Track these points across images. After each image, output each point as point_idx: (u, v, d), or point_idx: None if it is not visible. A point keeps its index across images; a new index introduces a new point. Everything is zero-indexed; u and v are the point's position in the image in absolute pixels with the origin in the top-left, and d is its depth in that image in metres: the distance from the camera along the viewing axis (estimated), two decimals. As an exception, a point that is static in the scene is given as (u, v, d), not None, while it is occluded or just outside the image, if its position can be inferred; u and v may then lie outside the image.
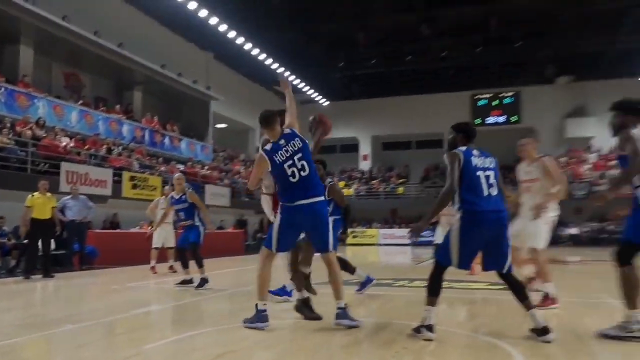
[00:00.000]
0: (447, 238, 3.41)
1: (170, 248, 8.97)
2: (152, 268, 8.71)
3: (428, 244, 13.36)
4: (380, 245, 22.14)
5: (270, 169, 3.72)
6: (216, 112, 20.83)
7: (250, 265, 8.61)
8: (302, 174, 3.66)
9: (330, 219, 3.99)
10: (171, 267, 8.87)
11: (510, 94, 26.35)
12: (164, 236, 8.99)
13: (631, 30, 19.08)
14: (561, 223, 23.59)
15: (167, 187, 10.66)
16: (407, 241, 18.74)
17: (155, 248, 8.97)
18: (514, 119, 26.37)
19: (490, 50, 20.94)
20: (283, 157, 3.67)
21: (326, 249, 3.73)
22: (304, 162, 3.69)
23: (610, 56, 22.23)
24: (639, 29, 19.05)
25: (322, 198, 3.77)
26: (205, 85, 19.77)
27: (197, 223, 6.67)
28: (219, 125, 22.17)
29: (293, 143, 3.70)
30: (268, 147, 3.74)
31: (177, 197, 6.81)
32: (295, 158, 3.67)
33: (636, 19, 17.98)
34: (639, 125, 3.35)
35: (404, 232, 23.16)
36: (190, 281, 6.55)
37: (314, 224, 3.70)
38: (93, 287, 7.58)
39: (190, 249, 6.58)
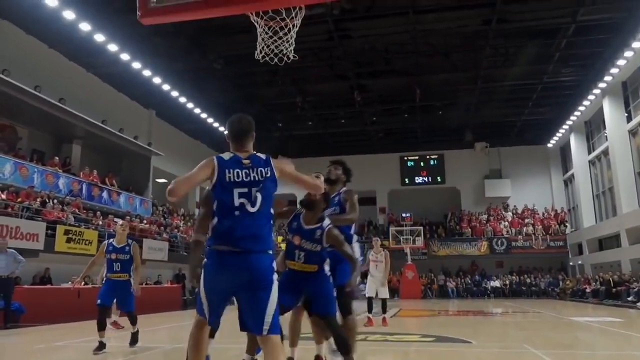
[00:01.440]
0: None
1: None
2: (115, 323, 8.53)
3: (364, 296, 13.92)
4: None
5: (212, 185, 2.73)
6: (157, 167, 21.05)
7: (187, 321, 8.40)
8: (250, 209, 2.67)
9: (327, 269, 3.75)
10: (115, 323, 8.62)
11: (434, 156, 28.53)
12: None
13: (535, 104, 21.81)
14: (484, 276, 25.28)
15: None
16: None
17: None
18: (438, 179, 28.43)
19: (416, 117, 22.98)
20: (237, 177, 2.70)
21: (259, 330, 2.57)
22: (259, 196, 2.69)
23: (519, 126, 25.04)
24: (542, 103, 21.84)
25: (268, 252, 2.70)
26: (147, 140, 20.09)
27: (131, 280, 6.17)
28: (159, 180, 22.30)
29: (261, 170, 2.73)
30: (226, 155, 2.79)
31: (118, 245, 6.21)
32: (253, 188, 2.69)
33: (539, 95, 20.64)
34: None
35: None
36: (104, 345, 5.74)
37: (247, 284, 2.60)
38: (15, 347, 7.19)
39: (127, 314, 6.12)
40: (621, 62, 16.53)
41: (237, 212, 2.66)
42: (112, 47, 15.21)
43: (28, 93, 14.00)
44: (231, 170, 2.70)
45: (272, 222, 2.79)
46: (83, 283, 8.62)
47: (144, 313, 9.66)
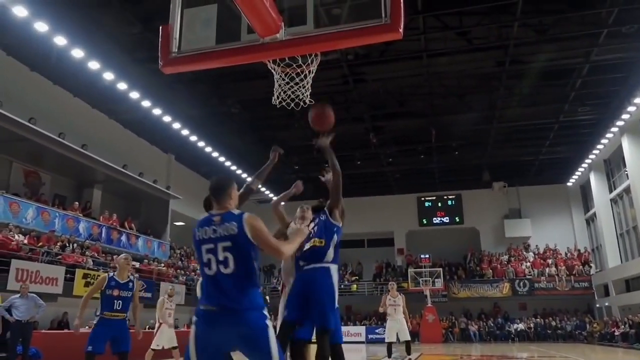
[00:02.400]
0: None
1: (175, 348, 8.97)
2: None
3: (382, 340, 13.58)
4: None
5: None
6: (175, 210, 21.27)
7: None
8: (222, 269, 2.67)
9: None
10: None
11: (452, 196, 28.33)
12: (169, 336, 8.99)
13: (552, 143, 21.69)
14: (507, 319, 24.50)
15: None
16: (362, 339, 18.88)
17: (154, 349, 8.90)
18: (457, 219, 28.10)
19: (432, 157, 22.99)
20: (205, 234, 2.75)
21: None
22: (230, 255, 2.67)
23: (537, 165, 24.83)
24: (559, 142, 21.71)
25: (253, 309, 2.66)
26: (166, 184, 20.40)
27: (127, 319, 5.74)
28: (177, 223, 22.48)
29: (227, 226, 2.72)
30: (203, 216, 2.91)
31: (122, 281, 5.68)
32: (219, 244, 2.69)
33: (556, 134, 20.56)
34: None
35: (358, 329, 23.38)
36: None
37: (238, 343, 2.63)
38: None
39: (120, 356, 5.50)
40: (638, 99, 16.47)
41: (206, 269, 2.71)
42: (134, 95, 15.73)
43: (53, 140, 14.43)
44: (201, 229, 2.79)
45: (253, 279, 2.72)
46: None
47: (161, 358, 9.54)
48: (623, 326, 18.79)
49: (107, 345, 5.48)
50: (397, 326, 9.69)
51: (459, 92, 17.22)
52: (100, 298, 5.58)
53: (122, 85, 15.16)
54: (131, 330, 5.84)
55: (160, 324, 9.13)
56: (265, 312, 2.72)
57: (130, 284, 5.75)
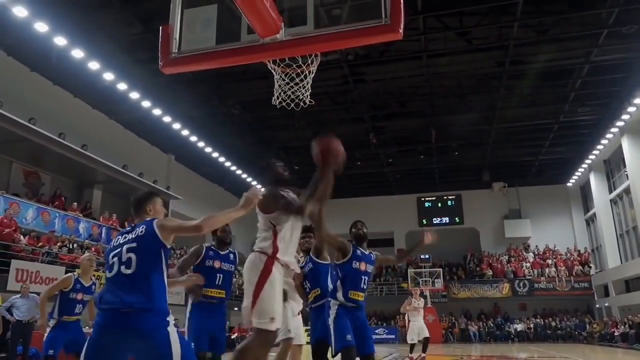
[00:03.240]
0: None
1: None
2: None
3: (386, 342, 13.54)
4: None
5: None
6: (175, 210, 21.24)
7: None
8: (123, 270, 2.64)
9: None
10: None
11: (452, 197, 28.33)
12: None
13: (552, 143, 21.70)
14: (507, 319, 24.50)
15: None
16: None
17: None
18: (457, 220, 28.10)
19: (432, 158, 23.00)
20: (116, 242, 2.83)
21: None
22: (132, 256, 2.66)
23: (537, 165, 24.84)
24: (559, 143, 21.72)
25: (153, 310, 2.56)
26: (166, 184, 20.39)
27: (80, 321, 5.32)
28: (176, 224, 22.46)
29: (136, 230, 2.78)
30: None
31: (86, 285, 5.27)
32: (125, 247, 2.71)
33: (556, 134, 20.56)
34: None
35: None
36: None
37: (137, 351, 2.54)
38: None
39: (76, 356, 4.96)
40: (638, 100, 16.48)
41: (107, 272, 2.73)
42: (134, 95, 15.73)
43: (53, 140, 14.42)
44: (113, 240, 2.90)
45: (157, 282, 2.65)
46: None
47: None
48: (623, 326, 18.79)
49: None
50: (419, 326, 10.59)
51: (459, 93, 17.23)
52: (58, 299, 5.10)
53: (122, 86, 15.15)
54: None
55: None
56: (170, 318, 2.61)
57: (93, 287, 5.34)
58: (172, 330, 2.58)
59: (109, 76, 14.52)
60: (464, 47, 14.41)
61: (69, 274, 5.33)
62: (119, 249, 2.73)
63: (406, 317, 11.75)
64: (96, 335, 2.56)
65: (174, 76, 13.56)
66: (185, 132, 18.60)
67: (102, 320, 2.58)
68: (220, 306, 4.77)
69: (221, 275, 4.76)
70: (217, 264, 4.76)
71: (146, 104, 16.31)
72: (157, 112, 16.87)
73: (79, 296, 5.21)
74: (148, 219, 2.89)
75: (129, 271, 2.64)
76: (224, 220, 3.03)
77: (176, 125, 18.01)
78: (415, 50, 14.30)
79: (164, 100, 16.60)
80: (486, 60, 15.27)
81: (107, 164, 16.39)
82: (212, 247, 4.87)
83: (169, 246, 2.78)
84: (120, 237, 2.83)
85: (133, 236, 2.75)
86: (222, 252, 4.85)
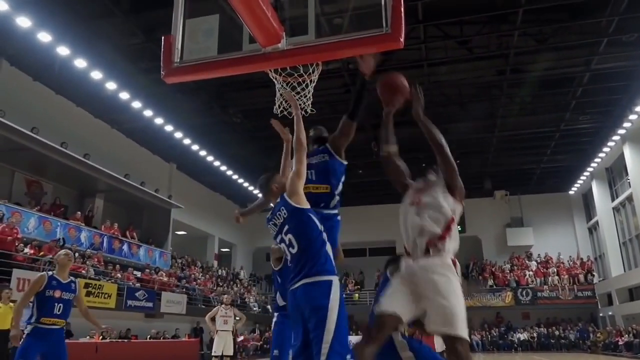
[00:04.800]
0: None
1: (229, 356, 9.24)
2: None
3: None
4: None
5: None
6: (176, 219, 21.27)
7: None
8: (292, 250, 3.04)
9: None
10: None
11: (448, 203, 28.18)
12: (225, 343, 9.34)
13: (554, 151, 21.70)
14: (510, 328, 24.35)
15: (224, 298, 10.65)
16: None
17: (215, 356, 9.23)
18: (459, 228, 27.88)
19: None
20: (273, 230, 3.23)
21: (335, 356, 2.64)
22: (291, 237, 3.05)
23: (539, 173, 24.81)
24: (560, 151, 21.72)
25: (326, 278, 2.87)
26: (167, 193, 20.42)
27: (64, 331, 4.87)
28: (178, 232, 22.47)
29: (279, 214, 3.18)
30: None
31: (63, 281, 4.86)
32: (283, 232, 3.13)
33: (557, 142, 20.56)
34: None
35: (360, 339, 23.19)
36: None
37: (309, 315, 2.82)
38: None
39: None
40: (639, 108, 16.49)
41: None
42: (136, 104, 15.80)
43: (55, 149, 14.48)
44: None
45: None
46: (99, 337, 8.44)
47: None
48: (627, 335, 18.65)
49: None
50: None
51: (459, 101, 17.26)
52: (34, 302, 4.70)
53: (124, 95, 15.23)
54: (96, 340, 5.51)
55: (217, 331, 9.48)
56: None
57: (73, 284, 4.93)
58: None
59: (111, 85, 14.60)
60: (465, 55, 14.46)
61: (41, 273, 4.93)
62: (280, 236, 3.15)
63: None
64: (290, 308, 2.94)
65: (175, 85, 13.62)
66: (187, 141, 18.66)
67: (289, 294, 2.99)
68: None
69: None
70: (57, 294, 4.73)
71: (148, 113, 16.38)
72: (159, 121, 16.94)
73: (57, 293, 4.74)
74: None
75: (293, 251, 3.06)
76: (300, 127, 3.46)
77: (178, 134, 18.07)
78: (416, 59, 14.35)
79: (165, 109, 16.67)
80: (487, 69, 15.31)
81: (109, 173, 16.43)
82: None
83: None
84: (271, 223, 3.22)
85: (281, 220, 3.14)
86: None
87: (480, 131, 19.37)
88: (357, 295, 26.05)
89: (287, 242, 3.03)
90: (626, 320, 20.82)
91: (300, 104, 4.01)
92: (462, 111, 17.77)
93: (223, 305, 9.95)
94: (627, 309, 21.26)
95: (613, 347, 19.30)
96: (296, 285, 2.90)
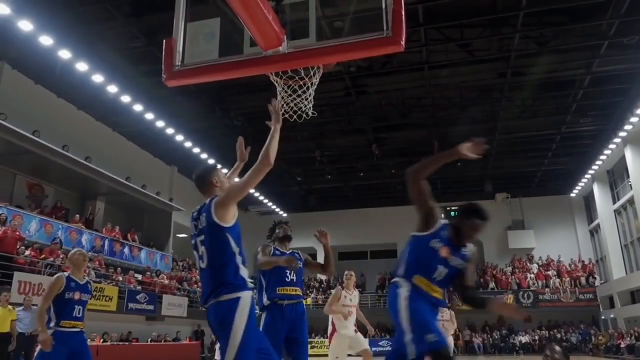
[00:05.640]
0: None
1: None
2: None
3: (387, 353, 13.41)
4: (337, 357, 21.84)
5: None
6: (177, 222, 21.26)
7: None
8: (201, 264, 2.88)
9: None
10: None
11: (455, 207, 28.18)
12: None
13: (555, 154, 21.68)
14: (512, 331, 24.27)
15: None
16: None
17: None
18: (457, 230, 27.90)
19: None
20: (192, 231, 3.02)
21: None
22: (204, 250, 2.85)
23: (540, 176, 24.78)
24: (562, 153, 21.70)
25: (234, 295, 2.75)
26: (169, 196, 20.43)
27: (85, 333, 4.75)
28: (179, 235, 22.46)
29: (201, 217, 2.96)
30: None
31: (80, 282, 4.69)
32: (198, 239, 2.92)
33: (559, 145, 20.55)
34: None
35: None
36: None
37: (216, 332, 2.81)
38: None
39: None
40: (640, 110, 16.48)
41: None
42: (137, 107, 15.82)
43: (56, 152, 14.50)
44: None
45: None
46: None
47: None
48: (629, 338, 18.60)
49: None
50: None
51: (460, 104, 17.26)
52: (54, 305, 4.51)
53: (125, 98, 15.24)
54: (97, 343, 5.35)
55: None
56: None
57: (89, 285, 4.78)
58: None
59: (112, 89, 14.63)
60: (465, 58, 14.47)
61: (58, 274, 4.74)
62: (193, 241, 3.04)
63: None
64: None
65: (176, 88, 13.64)
66: (188, 144, 18.67)
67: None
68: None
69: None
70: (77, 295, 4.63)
71: (149, 116, 16.40)
72: (160, 124, 16.96)
73: (76, 295, 4.58)
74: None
75: (202, 265, 2.96)
76: (274, 143, 3.15)
77: (179, 137, 18.08)
78: (416, 61, 14.37)
79: (166, 112, 16.69)
80: (487, 72, 15.31)
81: (110, 176, 16.45)
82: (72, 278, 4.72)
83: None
84: (192, 222, 3.12)
85: (201, 226, 2.97)
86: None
87: (481, 134, 19.04)
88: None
89: (200, 253, 2.87)
90: (628, 323, 20.75)
91: (301, 107, 4.01)
92: (463, 114, 17.78)
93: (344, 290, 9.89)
94: (628, 312, 21.19)
95: (615, 349, 19.23)
96: (207, 305, 2.82)
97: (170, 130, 17.51)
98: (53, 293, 4.48)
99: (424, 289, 3.20)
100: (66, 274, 4.69)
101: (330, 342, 6.65)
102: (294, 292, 4.22)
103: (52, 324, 4.45)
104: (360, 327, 7.14)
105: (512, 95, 16.51)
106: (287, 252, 4.40)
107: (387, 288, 26.30)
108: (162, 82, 3.65)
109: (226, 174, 3.58)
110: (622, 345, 18.68)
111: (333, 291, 6.89)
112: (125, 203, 18.96)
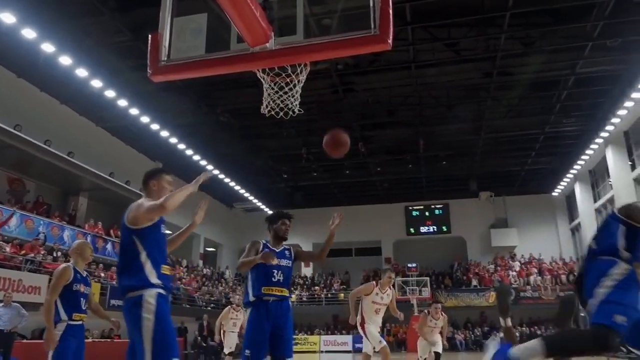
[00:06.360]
0: None
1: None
2: None
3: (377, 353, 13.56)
4: (322, 352, 21.91)
5: None
6: (163, 218, 21.06)
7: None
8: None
9: None
10: None
11: (439, 206, 28.46)
12: (235, 341, 9.66)
13: (538, 154, 21.96)
14: (493, 327, 24.55)
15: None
16: (349, 348, 18.81)
17: (229, 354, 9.55)
18: (444, 228, 28.23)
19: (420, 167, 23.14)
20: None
21: None
22: (118, 250, 3.19)
23: (523, 175, 25.10)
24: (545, 153, 21.99)
25: (138, 293, 2.95)
26: (152, 192, 20.22)
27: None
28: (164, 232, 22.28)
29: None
30: None
31: (83, 274, 4.56)
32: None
33: (542, 144, 20.81)
34: None
35: (345, 338, 23.32)
36: None
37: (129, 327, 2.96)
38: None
39: None
40: (622, 112, 16.73)
41: None
42: (122, 102, 15.63)
43: (38, 147, 14.26)
44: None
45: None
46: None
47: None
48: (608, 335, 18.95)
49: None
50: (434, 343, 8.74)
51: (447, 103, 17.39)
52: (62, 298, 4.30)
53: (110, 93, 15.05)
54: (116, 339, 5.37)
55: (224, 331, 9.69)
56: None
57: (89, 278, 4.66)
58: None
59: (97, 83, 14.42)
60: (452, 58, 14.57)
61: (65, 264, 4.50)
62: None
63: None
64: None
65: (162, 84, 13.49)
66: (173, 140, 18.51)
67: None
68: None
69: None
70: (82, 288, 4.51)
71: (134, 111, 16.22)
72: (145, 119, 16.78)
73: (82, 288, 4.44)
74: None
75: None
76: (182, 196, 3.15)
77: (164, 133, 17.92)
78: (404, 60, 14.43)
79: (152, 107, 16.52)
80: (474, 71, 15.44)
81: (93, 172, 16.22)
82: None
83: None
84: None
85: None
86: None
87: (466, 133, 19.54)
88: (342, 294, 26.04)
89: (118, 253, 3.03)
90: (607, 321, 21.10)
91: (287, 104, 4.00)
92: (450, 113, 17.91)
93: (234, 306, 9.85)
94: (608, 310, 21.54)
95: (594, 347, 19.58)
96: (123, 302, 3.05)
97: (155, 126, 17.36)
98: (61, 285, 4.27)
99: None
100: (70, 264, 4.51)
101: (362, 330, 6.79)
102: (279, 293, 4.21)
103: (62, 317, 4.25)
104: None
105: (497, 95, 16.67)
106: (278, 250, 4.38)
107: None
108: (148, 77, 3.61)
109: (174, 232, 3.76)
110: (602, 342, 19.02)
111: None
112: (109, 199, 18.71)
